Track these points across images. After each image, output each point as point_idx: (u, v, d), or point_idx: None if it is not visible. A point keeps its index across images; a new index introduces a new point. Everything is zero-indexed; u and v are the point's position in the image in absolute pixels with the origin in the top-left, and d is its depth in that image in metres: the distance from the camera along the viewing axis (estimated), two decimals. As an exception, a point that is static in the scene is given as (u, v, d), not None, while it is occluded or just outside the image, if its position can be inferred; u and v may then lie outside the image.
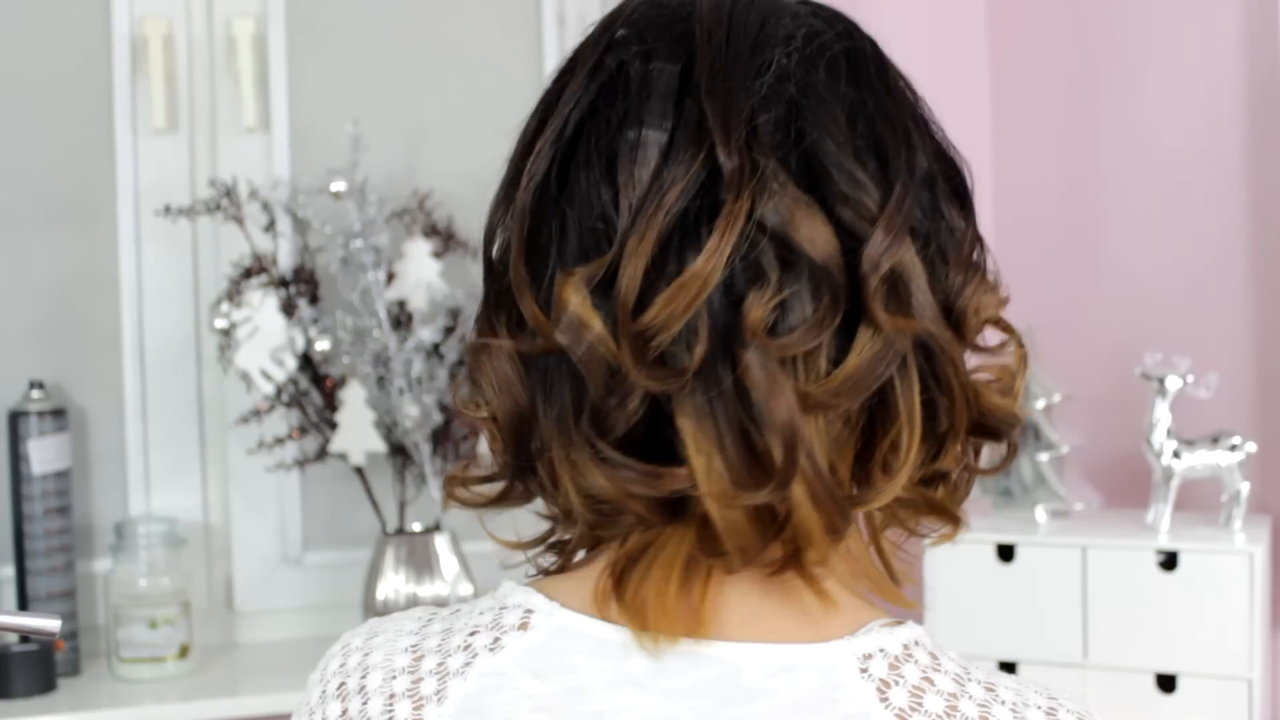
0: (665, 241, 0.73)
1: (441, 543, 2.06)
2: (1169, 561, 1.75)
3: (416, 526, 2.08)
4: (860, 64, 0.79)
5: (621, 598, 0.76)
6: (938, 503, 0.81)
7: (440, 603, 2.04)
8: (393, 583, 2.04)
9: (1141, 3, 2.02)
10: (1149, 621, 1.75)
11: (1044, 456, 1.88)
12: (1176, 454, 1.80)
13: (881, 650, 0.78)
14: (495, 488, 0.83)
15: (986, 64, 2.17)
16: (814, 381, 0.73)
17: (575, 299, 0.74)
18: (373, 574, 2.06)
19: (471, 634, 0.81)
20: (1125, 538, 1.78)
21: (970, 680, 0.78)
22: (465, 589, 2.05)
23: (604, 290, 0.74)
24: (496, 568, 2.17)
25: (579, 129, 0.77)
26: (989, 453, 0.84)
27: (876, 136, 0.76)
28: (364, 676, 0.82)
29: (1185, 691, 1.74)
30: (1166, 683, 1.75)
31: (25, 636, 1.92)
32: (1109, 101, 2.05)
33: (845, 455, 0.76)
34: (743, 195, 0.72)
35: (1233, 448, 1.79)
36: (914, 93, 0.82)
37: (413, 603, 2.03)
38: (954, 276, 0.78)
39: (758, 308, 0.72)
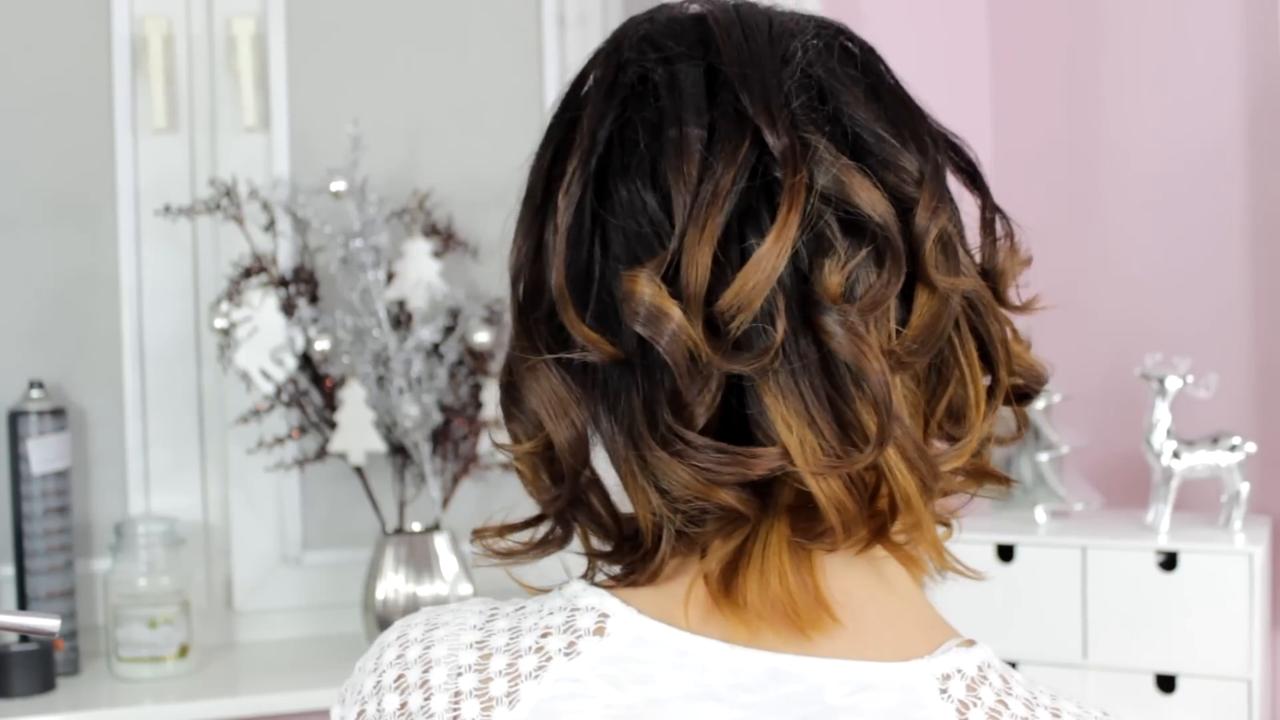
0: (726, 228, 0.75)
1: (441, 542, 2.06)
2: (1169, 562, 1.75)
3: (416, 526, 2.08)
4: (861, 56, 0.81)
5: (733, 600, 0.76)
6: (988, 468, 0.83)
7: (440, 602, 2.04)
8: (392, 582, 2.04)
9: (1141, 3, 2.02)
10: (1149, 621, 1.75)
11: (1044, 456, 1.88)
12: (1176, 454, 1.80)
13: (959, 671, 0.78)
14: (531, 534, 0.83)
15: (987, 64, 2.17)
16: (890, 340, 0.76)
17: (650, 289, 0.74)
18: (372, 574, 2.06)
19: (544, 635, 0.80)
20: (1125, 538, 1.78)
21: (1038, 705, 0.79)
22: (465, 589, 2.05)
23: (668, 285, 0.75)
24: (495, 569, 2.17)
25: (609, 143, 0.78)
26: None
27: (893, 116, 0.79)
28: (426, 670, 0.80)
29: (1185, 691, 1.74)
30: (1166, 683, 1.75)
31: (25, 636, 1.92)
32: (1109, 101, 2.05)
33: (919, 415, 0.79)
34: (800, 170, 0.74)
35: (1233, 448, 1.79)
36: (910, 92, 0.85)
37: (412, 603, 2.03)
38: (984, 239, 0.82)
39: (835, 274, 0.74)
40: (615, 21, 2.25)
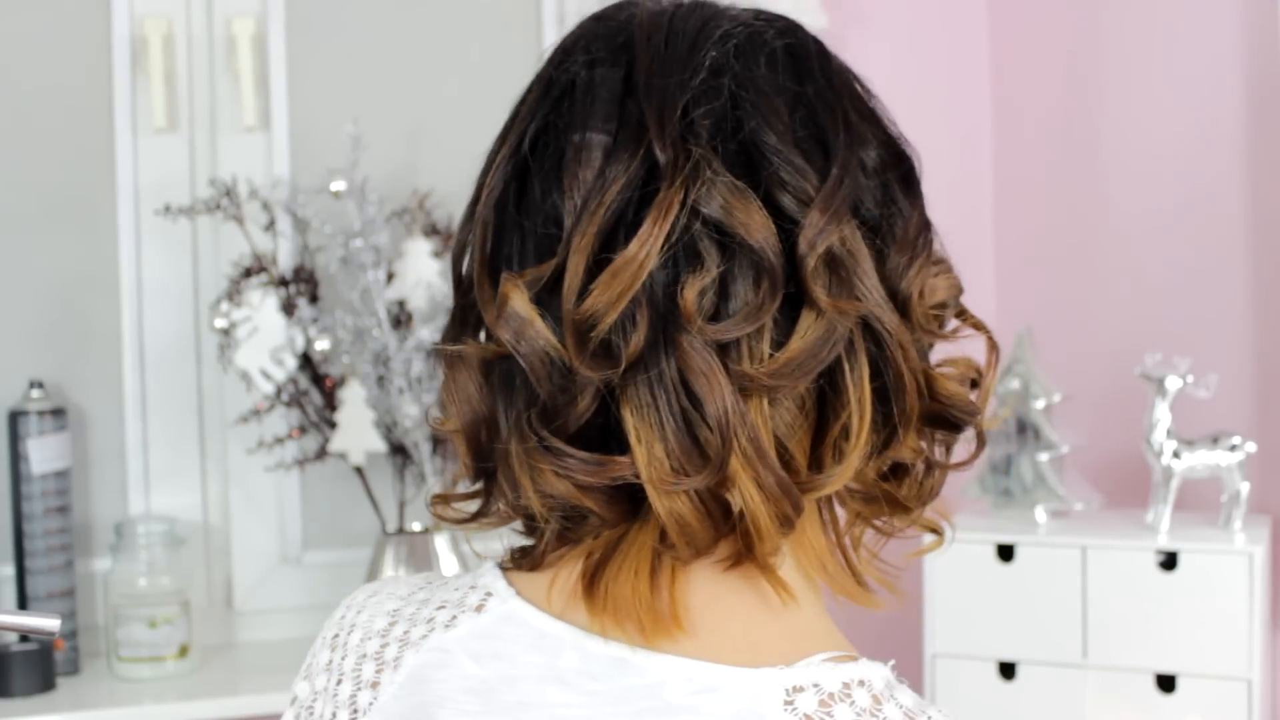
0: (607, 235, 0.74)
1: (441, 542, 2.06)
2: (1169, 561, 1.75)
3: (416, 526, 2.08)
4: (801, 58, 0.80)
5: (593, 596, 0.77)
6: (895, 497, 0.80)
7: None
8: (392, 582, 2.04)
9: (1142, 3, 2.02)
10: (1149, 621, 1.75)
11: (1044, 456, 1.88)
12: (1176, 454, 1.80)
13: (815, 685, 0.75)
14: (475, 504, 0.85)
15: (987, 64, 2.17)
16: (755, 364, 0.74)
17: (516, 296, 0.75)
18: (372, 573, 2.06)
19: (439, 608, 0.84)
20: (1125, 538, 1.78)
21: None
22: (465, 589, 2.05)
23: (553, 289, 0.75)
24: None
25: (534, 142, 0.79)
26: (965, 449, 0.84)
27: (818, 125, 0.77)
28: (350, 633, 0.87)
29: (1185, 691, 1.74)
30: (1166, 683, 1.75)
31: (25, 636, 1.92)
32: (1110, 102, 2.05)
33: (799, 440, 0.77)
34: (675, 184, 0.74)
35: (1233, 448, 1.79)
36: (864, 87, 0.83)
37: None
38: (898, 259, 0.78)
39: (691, 290, 0.73)
40: (615, 21, 2.25)
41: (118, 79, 2.10)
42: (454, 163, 2.21)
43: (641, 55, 0.78)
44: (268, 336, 2.02)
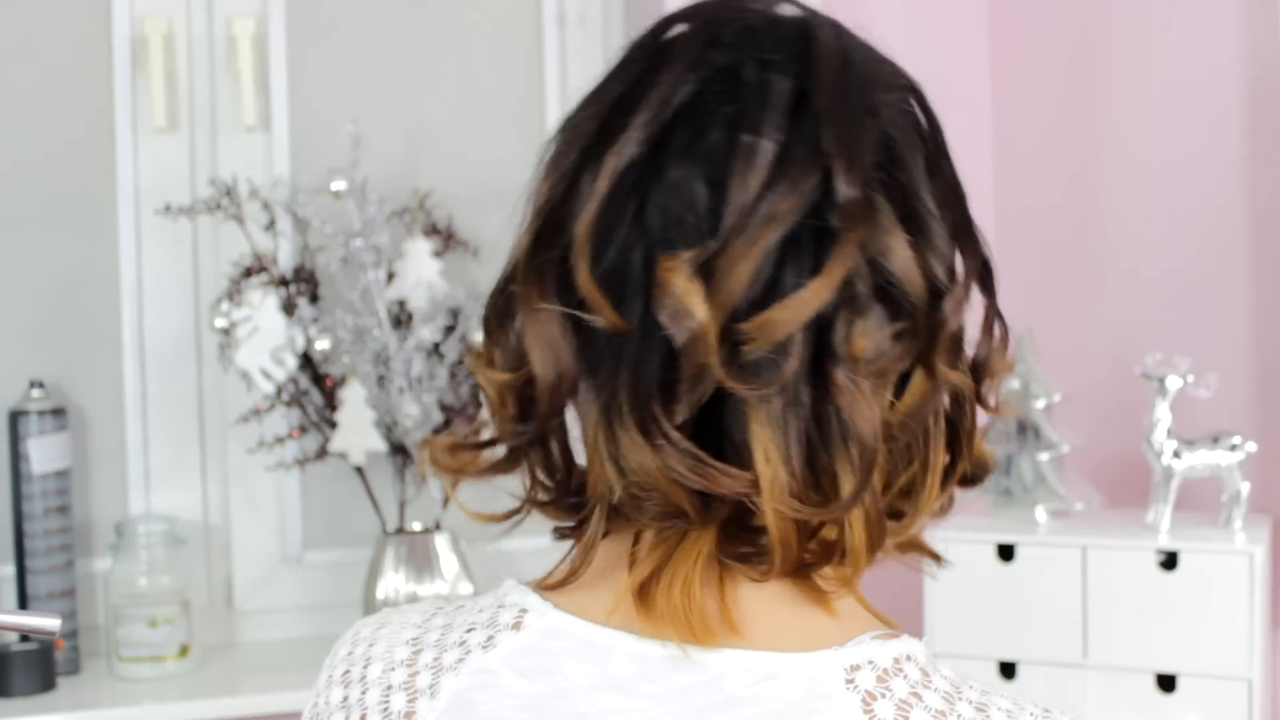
0: (773, 253, 0.75)
1: (441, 542, 2.06)
2: (1169, 561, 1.75)
3: (416, 526, 2.08)
4: (931, 129, 0.82)
5: (645, 602, 0.77)
6: (920, 542, 0.85)
7: (440, 602, 2.04)
8: (393, 582, 2.04)
9: (1142, 4, 2.02)
10: (1149, 621, 1.75)
11: (1044, 456, 1.88)
12: (1176, 454, 1.80)
13: (870, 662, 0.78)
14: (485, 456, 0.84)
15: (987, 64, 2.16)
16: (885, 410, 0.78)
17: (684, 283, 0.74)
18: (373, 573, 2.06)
19: (468, 630, 0.83)
20: (1125, 538, 1.78)
21: (960, 699, 0.78)
22: (465, 588, 2.05)
23: (700, 280, 0.75)
24: (496, 567, 2.17)
25: (677, 117, 0.77)
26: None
27: (945, 197, 0.80)
28: (366, 666, 0.84)
29: (1185, 691, 1.74)
30: (1166, 683, 1.75)
31: (25, 635, 1.92)
32: (1109, 101, 2.05)
33: (881, 485, 0.80)
34: (858, 228, 0.75)
35: (1233, 448, 1.79)
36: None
37: (412, 602, 2.03)
38: (983, 340, 0.84)
39: (864, 337, 0.75)
40: (616, 21, 2.25)
41: (118, 79, 2.10)
42: (454, 163, 2.21)
43: (822, 77, 0.78)
44: (268, 336, 2.02)
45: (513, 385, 0.81)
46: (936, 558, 0.85)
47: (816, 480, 0.75)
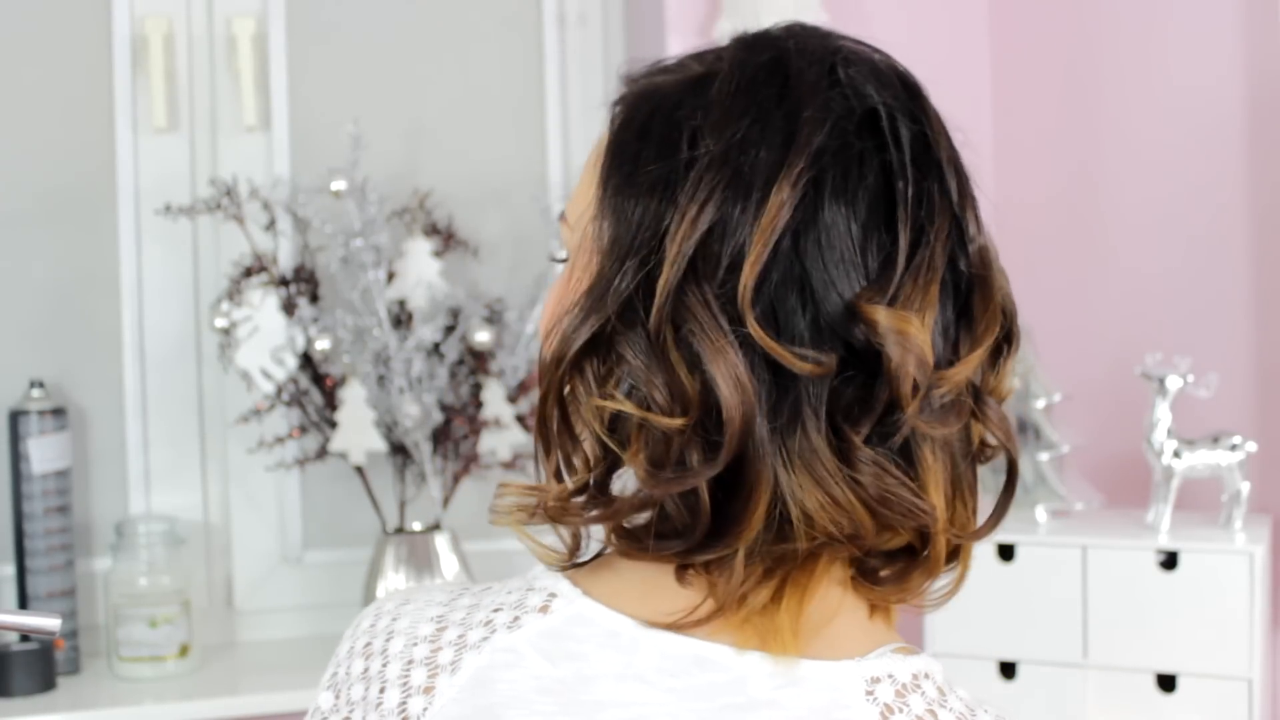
0: (941, 300, 0.79)
1: (441, 542, 2.06)
2: (1169, 561, 1.75)
3: (416, 526, 2.08)
4: (959, 170, 0.85)
5: (728, 611, 0.78)
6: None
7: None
8: (393, 582, 2.04)
9: (1142, 3, 2.02)
10: (1149, 621, 1.75)
11: (1044, 456, 1.88)
12: (1177, 454, 1.80)
13: (890, 676, 0.79)
14: (571, 504, 0.82)
15: (987, 64, 2.16)
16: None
17: (895, 320, 0.77)
18: (373, 573, 2.06)
19: (495, 610, 0.83)
20: (1125, 538, 1.78)
21: None
22: (465, 588, 2.05)
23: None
24: (496, 567, 2.17)
25: (825, 156, 0.78)
26: None
27: (960, 234, 0.84)
28: (389, 640, 0.85)
29: (1185, 691, 1.74)
30: (1166, 683, 1.75)
31: (25, 635, 1.92)
32: (1110, 101, 2.05)
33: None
34: (991, 273, 0.83)
35: (1233, 447, 1.79)
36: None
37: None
38: (1001, 367, 0.85)
39: (1009, 377, 0.83)
40: (616, 22, 2.25)
41: (118, 79, 2.10)
42: (454, 162, 2.21)
43: (931, 120, 0.83)
44: (268, 336, 2.02)
45: (680, 428, 0.77)
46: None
47: (956, 509, 0.81)
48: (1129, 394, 1.94)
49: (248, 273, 2.04)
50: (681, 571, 0.79)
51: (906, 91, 0.82)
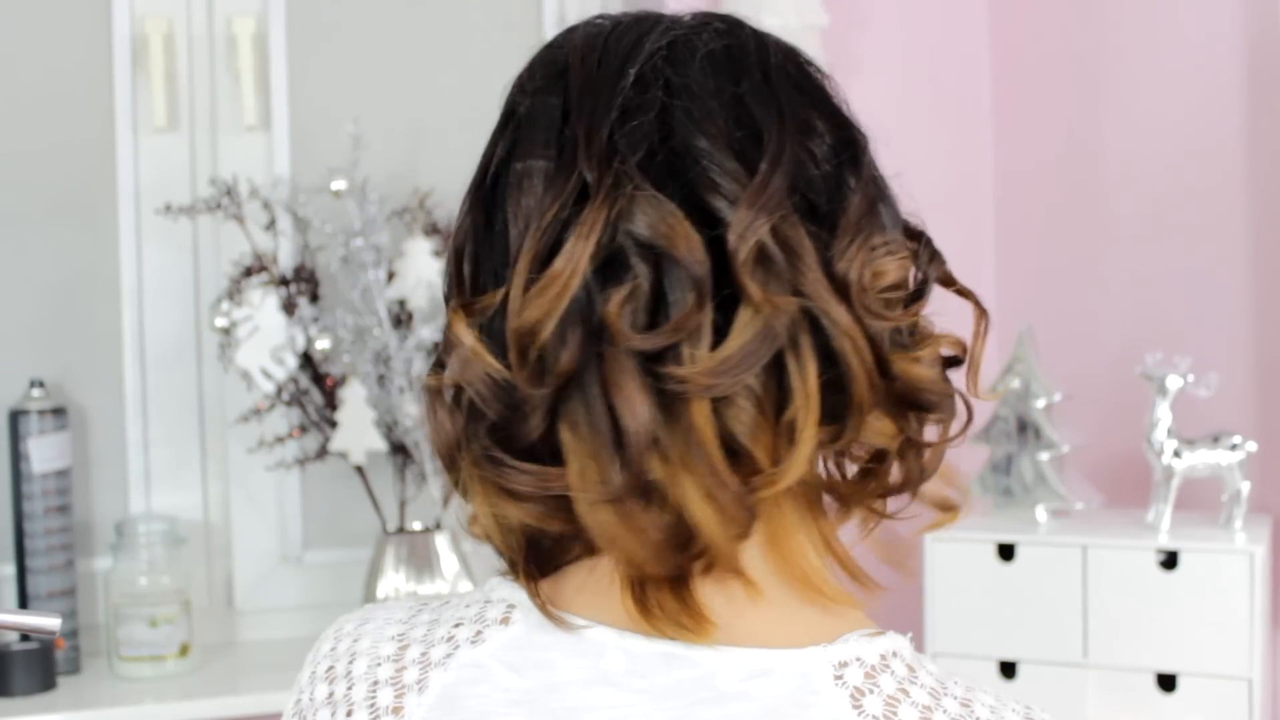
0: (544, 257, 0.75)
1: (441, 541, 2.06)
2: (1169, 561, 1.75)
3: (417, 525, 2.08)
4: (738, 57, 0.80)
5: (638, 600, 0.77)
6: (883, 482, 0.80)
7: (440, 602, 2.04)
8: (393, 581, 2.04)
9: (1142, 3, 2.02)
10: (1149, 621, 1.75)
11: (1044, 456, 1.88)
12: (1177, 453, 1.80)
13: (858, 659, 0.78)
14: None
15: (987, 64, 2.16)
16: (691, 366, 0.73)
17: (458, 324, 0.77)
18: (373, 573, 2.06)
19: (455, 626, 0.83)
20: (1125, 537, 1.78)
21: (946, 695, 0.79)
22: (465, 587, 2.05)
23: (502, 315, 0.77)
24: (496, 567, 2.17)
25: (494, 175, 0.82)
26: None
27: (755, 123, 0.77)
28: (351, 662, 0.85)
29: (1185, 691, 1.74)
30: (1166, 682, 1.75)
31: (25, 635, 1.92)
32: (1110, 101, 2.05)
33: (764, 441, 0.75)
34: (599, 201, 0.74)
35: (1233, 447, 1.79)
36: (813, 74, 0.82)
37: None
38: (838, 245, 0.77)
39: (613, 304, 0.74)
40: (616, 21, 2.25)
41: (118, 79, 2.10)
42: (454, 162, 2.21)
43: (574, 79, 0.79)
44: (268, 336, 2.02)
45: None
46: (948, 507, 0.81)
47: (623, 462, 0.75)
48: (1129, 394, 1.94)
49: (248, 272, 2.04)
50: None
51: (557, 61, 0.82)
